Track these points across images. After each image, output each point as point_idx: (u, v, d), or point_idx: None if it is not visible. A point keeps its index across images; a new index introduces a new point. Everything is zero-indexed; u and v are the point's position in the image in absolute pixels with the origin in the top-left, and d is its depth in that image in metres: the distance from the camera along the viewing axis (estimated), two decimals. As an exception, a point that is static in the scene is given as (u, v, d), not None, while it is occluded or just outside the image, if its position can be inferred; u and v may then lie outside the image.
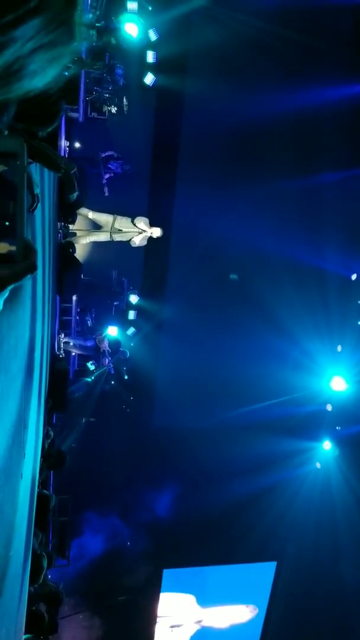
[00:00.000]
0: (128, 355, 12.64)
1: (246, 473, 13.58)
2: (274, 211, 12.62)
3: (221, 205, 12.10)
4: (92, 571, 13.29)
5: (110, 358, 12.10)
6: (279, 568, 16.02)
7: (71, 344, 11.66)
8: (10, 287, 0.86)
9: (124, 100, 11.86)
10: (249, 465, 13.40)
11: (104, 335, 11.92)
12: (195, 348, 12.91)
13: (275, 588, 16.09)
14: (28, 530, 4.11)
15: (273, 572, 16.01)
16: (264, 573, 16.05)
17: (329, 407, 14.72)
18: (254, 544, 14.42)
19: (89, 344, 11.96)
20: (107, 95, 11.70)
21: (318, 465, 15.20)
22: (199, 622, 15.88)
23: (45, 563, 4.70)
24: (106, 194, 11.64)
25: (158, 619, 15.12)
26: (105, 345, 11.82)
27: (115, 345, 12.02)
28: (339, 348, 14.42)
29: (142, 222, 10.50)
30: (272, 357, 13.01)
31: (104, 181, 11.59)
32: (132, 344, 12.94)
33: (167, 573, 14.99)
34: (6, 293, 0.86)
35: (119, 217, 10.66)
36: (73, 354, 12.09)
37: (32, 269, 0.87)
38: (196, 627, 15.88)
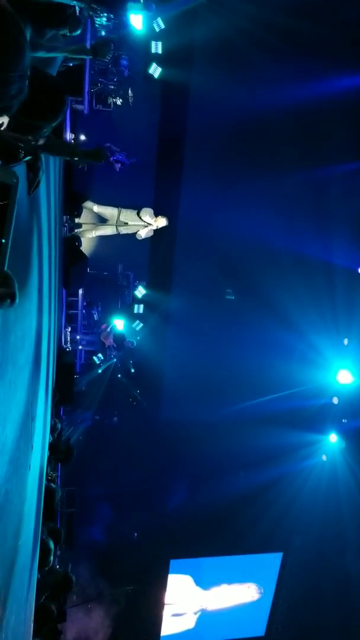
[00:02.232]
0: (135, 344, 12.69)
1: (252, 465, 13.63)
2: (281, 202, 12.54)
3: (227, 197, 12.04)
4: (99, 562, 13.43)
5: (116, 352, 12.16)
6: (285, 559, 16.11)
7: (78, 337, 11.73)
8: None
9: (129, 91, 11.78)
10: (255, 457, 13.44)
11: (108, 330, 11.97)
12: (202, 341, 12.91)
13: (281, 578, 16.20)
14: (36, 520, 4.15)
15: (279, 563, 16.12)
16: (270, 564, 16.16)
17: (335, 400, 14.71)
18: (260, 535, 14.49)
19: (93, 339, 12.03)
20: (112, 87, 11.64)
21: (324, 457, 15.22)
22: (204, 609, 16.02)
23: (52, 545, 4.69)
24: (117, 169, 11.52)
25: (165, 608, 15.29)
26: (110, 341, 11.87)
27: (120, 339, 12.06)
28: (346, 341, 14.38)
29: (147, 215, 10.47)
30: (278, 350, 13.00)
31: (117, 169, 11.53)
32: (138, 338, 12.97)
33: (174, 563, 15.12)
34: None
35: (124, 210, 10.66)
36: (80, 347, 12.15)
37: (12, 296, 0.87)
38: (200, 614, 16.03)
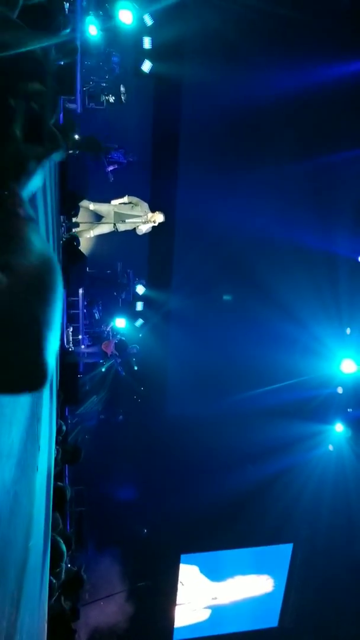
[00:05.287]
0: (138, 349, 12.74)
1: (259, 458, 13.65)
2: (280, 194, 12.49)
3: (225, 191, 11.99)
4: (110, 559, 13.48)
5: (119, 359, 12.17)
6: (296, 550, 16.17)
7: (80, 337, 11.74)
8: (44, 165, 0.98)
9: (122, 88, 11.72)
10: (261, 449, 13.46)
11: (110, 337, 11.97)
12: (204, 335, 12.90)
13: (292, 569, 16.26)
14: (46, 522, 4.16)
15: (290, 554, 16.18)
16: (281, 555, 16.21)
17: (339, 390, 14.71)
18: (269, 527, 14.54)
19: (94, 350, 12.03)
20: (104, 85, 11.57)
21: (331, 447, 15.24)
22: (216, 601, 16.09)
23: (64, 547, 4.71)
24: (111, 179, 11.51)
25: (177, 603, 15.37)
26: (112, 349, 11.87)
27: (121, 346, 12.06)
28: (348, 331, 14.36)
29: (139, 205, 10.42)
30: (281, 341, 12.98)
31: (108, 172, 11.49)
32: (140, 335, 12.96)
33: (184, 558, 15.19)
34: (43, 171, 0.97)
35: (118, 205, 10.64)
36: (83, 347, 12.15)
37: (59, 148, 1.01)
38: (213, 606, 16.10)
